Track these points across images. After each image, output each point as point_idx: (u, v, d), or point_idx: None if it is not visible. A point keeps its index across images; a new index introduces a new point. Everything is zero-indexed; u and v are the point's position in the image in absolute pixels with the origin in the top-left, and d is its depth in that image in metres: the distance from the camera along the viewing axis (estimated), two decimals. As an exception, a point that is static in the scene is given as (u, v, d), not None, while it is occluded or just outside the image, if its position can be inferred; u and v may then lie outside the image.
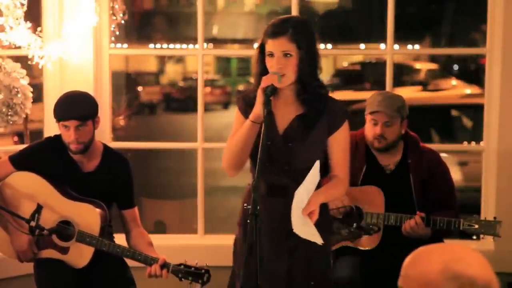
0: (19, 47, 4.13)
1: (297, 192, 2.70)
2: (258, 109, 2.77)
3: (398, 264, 1.72)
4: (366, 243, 3.54)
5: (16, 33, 4.06)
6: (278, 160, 2.83)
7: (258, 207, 2.51)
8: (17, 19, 4.05)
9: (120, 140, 5.05)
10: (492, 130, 4.35)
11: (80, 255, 3.36)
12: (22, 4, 4.05)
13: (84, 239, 3.33)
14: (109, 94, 4.52)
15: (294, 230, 2.72)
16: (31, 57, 4.15)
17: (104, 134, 4.37)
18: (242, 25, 17.72)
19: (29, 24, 4.09)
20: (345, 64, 16.41)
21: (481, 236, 3.78)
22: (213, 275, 3.23)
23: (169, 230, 6.62)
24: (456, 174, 6.55)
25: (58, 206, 3.38)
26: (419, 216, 3.48)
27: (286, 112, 2.89)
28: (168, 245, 4.18)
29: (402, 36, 5.35)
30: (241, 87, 18.25)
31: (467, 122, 8.31)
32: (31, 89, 4.17)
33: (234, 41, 17.59)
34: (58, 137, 3.47)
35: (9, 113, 4.08)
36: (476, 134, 6.38)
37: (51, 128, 4.05)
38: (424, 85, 12.82)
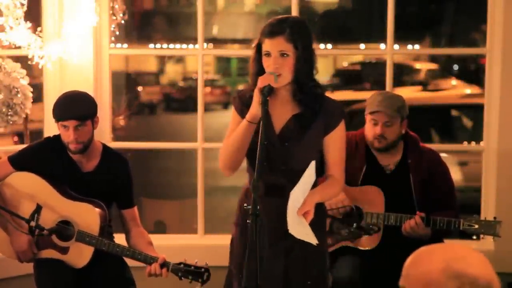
0: (19, 47, 4.13)
1: (292, 192, 2.70)
2: (254, 109, 2.77)
3: (398, 264, 1.72)
4: (366, 243, 3.54)
5: (16, 33, 4.06)
6: (274, 159, 2.83)
7: (258, 207, 2.51)
8: (17, 19, 4.05)
9: (120, 140, 5.04)
10: (492, 130, 4.35)
11: (80, 255, 3.36)
12: (22, 4, 4.05)
13: (83, 239, 3.33)
14: (109, 94, 4.52)
15: (289, 231, 2.72)
16: (31, 57, 4.15)
17: (104, 134, 4.37)
18: (242, 25, 17.72)
19: (29, 24, 4.09)
20: (345, 64, 16.41)
21: (481, 236, 3.78)
22: (213, 275, 3.23)
23: (169, 230, 6.62)
24: (456, 174, 6.55)
25: (58, 206, 3.38)
26: (419, 216, 3.48)
27: (283, 112, 2.89)
28: (168, 245, 4.18)
29: (402, 36, 5.35)
30: (241, 87, 18.21)
31: (467, 122, 8.31)
32: (31, 89, 4.17)
33: (234, 41, 17.59)
34: (57, 137, 3.47)
35: (9, 113, 4.08)
36: (476, 134, 6.38)
37: (51, 128, 4.05)
38: (424, 85, 12.82)
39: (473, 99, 9.58)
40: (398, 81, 10.05)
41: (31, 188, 3.43)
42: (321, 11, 15.62)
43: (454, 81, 13.19)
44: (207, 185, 4.65)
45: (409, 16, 12.85)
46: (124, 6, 4.45)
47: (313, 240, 2.73)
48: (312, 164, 2.72)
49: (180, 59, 18.98)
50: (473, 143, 6.50)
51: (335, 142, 2.91)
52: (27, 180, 3.44)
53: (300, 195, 2.72)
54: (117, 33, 4.47)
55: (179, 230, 6.56)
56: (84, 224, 3.35)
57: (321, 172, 2.91)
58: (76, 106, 3.39)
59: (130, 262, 3.44)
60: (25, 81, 4.13)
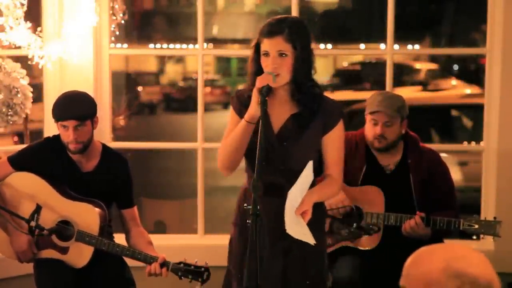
0: (19, 47, 4.13)
1: (290, 192, 2.69)
2: (253, 109, 2.77)
3: (398, 264, 1.72)
4: (366, 243, 3.54)
5: (16, 33, 4.06)
6: (273, 159, 2.83)
7: (258, 207, 2.51)
8: (17, 19, 4.05)
9: (120, 140, 5.04)
10: (492, 130, 4.35)
11: (79, 255, 3.36)
12: (22, 4, 4.05)
13: (83, 238, 3.33)
14: (109, 94, 4.52)
15: (287, 231, 2.71)
16: (31, 57, 4.15)
17: (104, 134, 4.38)
18: (242, 25, 17.71)
19: (29, 24, 4.09)
20: (345, 64, 16.41)
21: (481, 236, 3.78)
22: (212, 275, 3.23)
23: (169, 230, 6.62)
24: (456, 174, 6.55)
25: (58, 206, 3.38)
26: (419, 216, 3.48)
27: (281, 112, 2.89)
28: (168, 245, 4.18)
29: (402, 36, 5.35)
30: (240, 87, 18.20)
31: (467, 122, 8.31)
32: (31, 89, 4.17)
33: (234, 41, 17.58)
34: (57, 137, 3.47)
35: (9, 113, 4.08)
36: (476, 134, 6.38)
37: (51, 128, 4.05)
38: (424, 85, 12.82)
39: (473, 99, 9.58)
40: (398, 81, 10.06)
41: (31, 188, 3.43)
42: (321, 11, 15.62)
43: (454, 81, 13.20)
44: (207, 185, 4.65)
45: (409, 16, 12.84)
46: (124, 6, 4.45)
47: (311, 240, 2.73)
48: (310, 164, 2.72)
49: (180, 59, 18.98)
50: (473, 143, 6.50)
51: (333, 141, 2.90)
52: (27, 180, 3.44)
53: (298, 194, 2.72)
54: (117, 33, 4.47)
55: (179, 230, 6.56)
56: (84, 224, 3.35)
57: (319, 171, 2.91)
58: (75, 106, 3.39)
59: (130, 262, 3.44)
60: (25, 81, 4.13)
